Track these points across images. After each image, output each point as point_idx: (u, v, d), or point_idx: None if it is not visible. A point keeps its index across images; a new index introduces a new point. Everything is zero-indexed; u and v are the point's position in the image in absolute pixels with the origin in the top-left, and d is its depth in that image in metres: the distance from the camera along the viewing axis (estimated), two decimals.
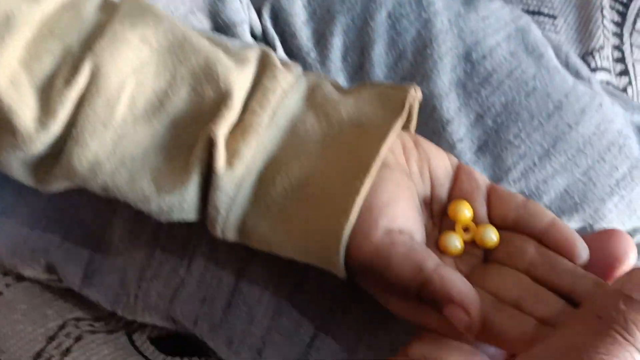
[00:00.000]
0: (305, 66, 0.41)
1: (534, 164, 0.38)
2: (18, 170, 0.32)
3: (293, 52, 0.41)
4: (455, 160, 0.35)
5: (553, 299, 0.29)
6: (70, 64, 0.29)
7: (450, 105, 0.39)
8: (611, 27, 0.48)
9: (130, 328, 0.41)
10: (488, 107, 0.39)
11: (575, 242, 0.31)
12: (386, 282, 0.30)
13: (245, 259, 0.36)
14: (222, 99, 0.30)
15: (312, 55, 0.41)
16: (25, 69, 0.29)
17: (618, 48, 0.48)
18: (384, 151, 0.31)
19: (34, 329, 0.39)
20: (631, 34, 0.48)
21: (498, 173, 0.38)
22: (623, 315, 0.23)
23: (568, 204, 0.38)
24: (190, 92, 0.30)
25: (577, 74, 0.42)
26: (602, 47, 0.46)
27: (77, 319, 0.41)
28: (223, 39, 0.38)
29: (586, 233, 0.38)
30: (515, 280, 0.31)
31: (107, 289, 0.39)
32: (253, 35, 0.41)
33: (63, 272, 0.39)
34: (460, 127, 0.39)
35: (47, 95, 0.29)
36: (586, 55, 0.46)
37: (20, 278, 0.42)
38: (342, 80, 0.40)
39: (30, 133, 0.29)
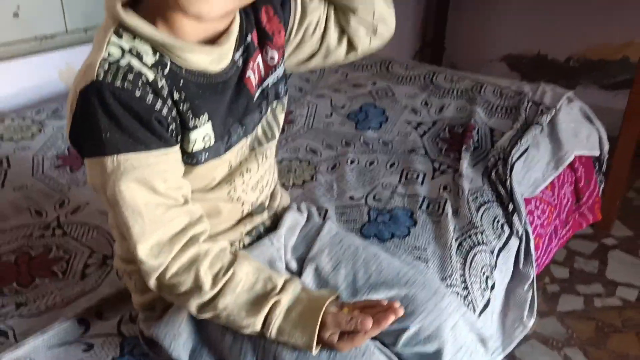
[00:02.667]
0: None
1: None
2: (194, 308, 0.77)
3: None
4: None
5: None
6: (224, 269, 0.74)
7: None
8: (458, 265, 0.99)
9: None
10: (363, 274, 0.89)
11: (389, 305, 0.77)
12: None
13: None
14: (274, 287, 0.76)
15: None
16: (210, 270, 0.73)
17: (462, 275, 0.99)
18: (324, 308, 0.79)
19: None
20: (469, 269, 1.00)
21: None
22: None
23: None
24: (263, 284, 0.76)
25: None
26: (452, 275, 0.97)
27: None
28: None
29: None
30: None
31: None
32: (289, 269, 0.96)
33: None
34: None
35: (215, 279, 0.74)
36: (442, 279, 0.97)
37: None
38: (310, 275, 0.93)
39: (208, 292, 0.75)
